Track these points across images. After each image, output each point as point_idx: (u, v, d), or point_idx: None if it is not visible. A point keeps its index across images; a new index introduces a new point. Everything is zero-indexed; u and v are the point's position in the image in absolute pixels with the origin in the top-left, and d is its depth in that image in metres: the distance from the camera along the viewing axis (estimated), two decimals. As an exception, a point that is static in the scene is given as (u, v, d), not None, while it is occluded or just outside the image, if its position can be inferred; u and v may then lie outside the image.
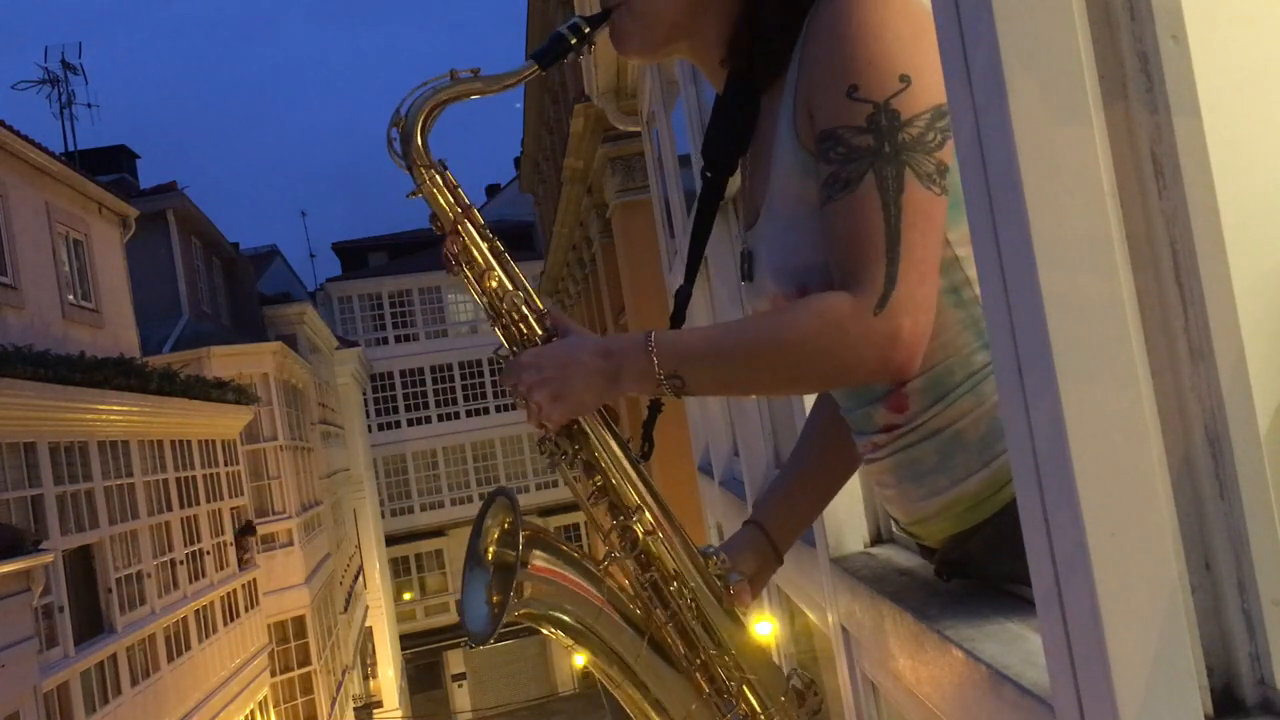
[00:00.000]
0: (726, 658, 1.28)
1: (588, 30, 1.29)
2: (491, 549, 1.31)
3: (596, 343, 1.24)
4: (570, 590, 1.28)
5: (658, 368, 1.18)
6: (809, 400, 2.04)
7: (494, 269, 1.29)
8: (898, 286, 1.09)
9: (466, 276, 1.29)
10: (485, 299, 1.29)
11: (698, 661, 1.28)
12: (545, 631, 1.30)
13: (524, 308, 1.28)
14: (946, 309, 1.16)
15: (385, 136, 1.27)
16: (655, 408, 1.37)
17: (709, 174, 1.40)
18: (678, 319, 1.40)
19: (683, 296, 1.41)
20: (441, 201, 1.28)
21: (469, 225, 1.28)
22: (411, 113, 1.26)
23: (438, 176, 1.28)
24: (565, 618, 1.28)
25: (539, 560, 1.26)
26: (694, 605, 1.28)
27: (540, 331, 1.28)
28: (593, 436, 1.26)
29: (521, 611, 1.26)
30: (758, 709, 1.29)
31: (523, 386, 1.23)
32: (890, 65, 1.12)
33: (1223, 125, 0.79)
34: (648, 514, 1.27)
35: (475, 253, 1.28)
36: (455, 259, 1.29)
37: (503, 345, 1.30)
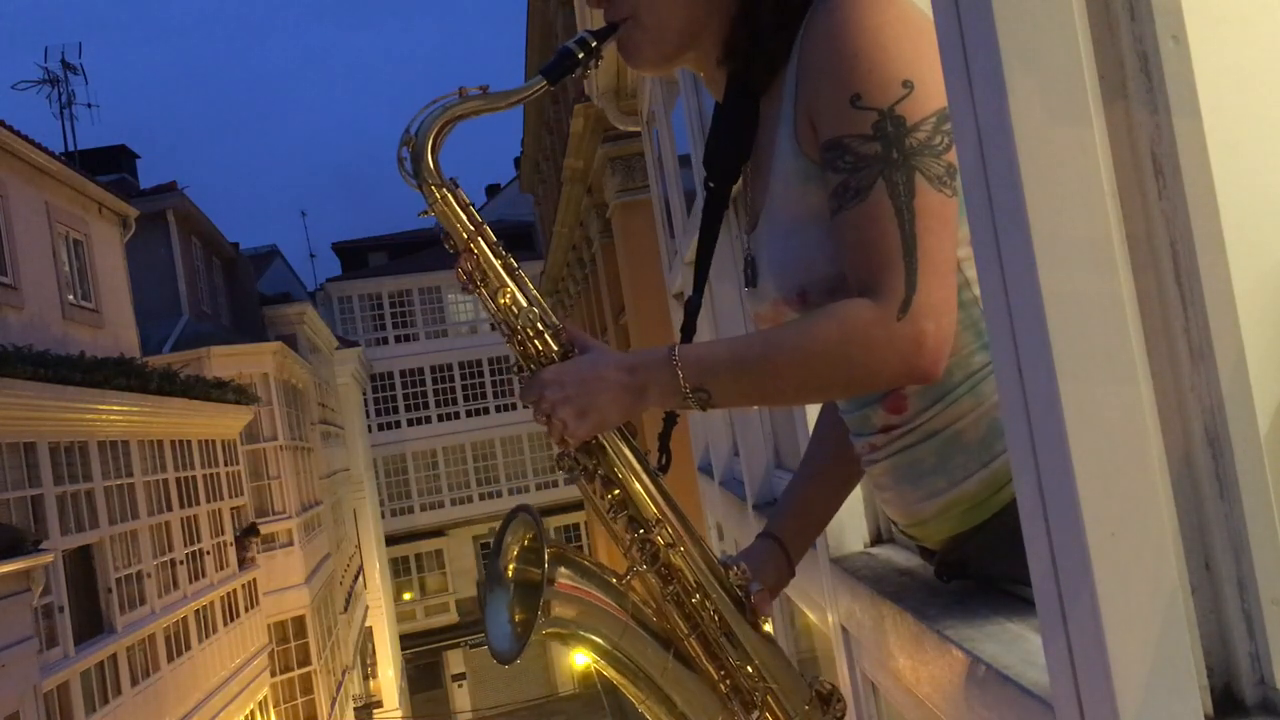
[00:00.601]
0: (750, 668, 1.28)
1: (594, 44, 1.28)
2: (513, 567, 1.30)
3: (620, 358, 1.24)
4: (596, 607, 1.26)
5: (683, 381, 1.18)
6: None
7: (508, 286, 1.27)
8: (918, 291, 1.09)
9: (481, 294, 1.28)
10: (500, 315, 1.27)
11: (722, 673, 1.28)
12: (574, 649, 1.29)
13: (539, 324, 1.26)
14: (956, 310, 1.16)
15: (396, 156, 1.25)
16: (670, 419, 1.36)
17: (711, 184, 1.40)
18: (688, 330, 1.40)
19: (693, 308, 1.40)
20: (454, 220, 1.26)
21: (482, 243, 1.27)
22: (421, 132, 1.24)
23: (449, 195, 1.26)
24: (592, 635, 1.27)
25: (563, 578, 1.25)
26: (717, 616, 1.28)
27: (556, 347, 1.26)
28: (611, 450, 1.25)
29: (548, 630, 1.24)
30: (783, 719, 1.29)
31: (545, 404, 1.21)
32: (892, 71, 1.12)
33: (1223, 125, 0.79)
34: (668, 526, 1.26)
35: (489, 271, 1.27)
36: (469, 277, 1.28)
37: (519, 362, 1.28)
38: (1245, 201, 0.80)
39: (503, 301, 1.27)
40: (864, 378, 1.15)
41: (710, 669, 1.28)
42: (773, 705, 1.29)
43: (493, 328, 1.31)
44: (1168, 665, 0.71)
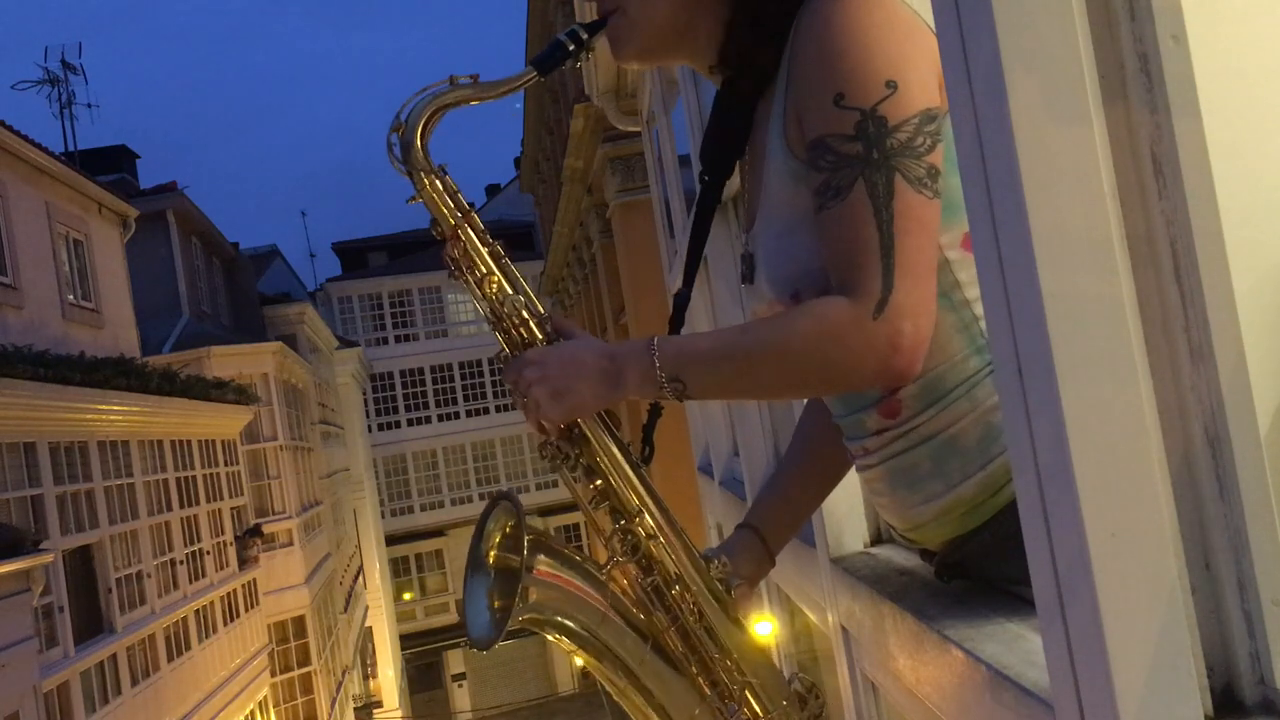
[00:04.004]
0: (729, 662, 1.28)
1: (585, 37, 1.29)
2: (493, 554, 1.30)
3: (602, 346, 1.25)
4: (574, 595, 1.27)
5: (659, 370, 1.19)
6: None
7: (495, 273, 1.29)
8: (894, 291, 1.09)
9: (468, 281, 1.30)
10: (486, 303, 1.29)
11: (701, 666, 1.28)
12: (549, 637, 1.30)
13: (524, 312, 1.28)
14: (938, 313, 1.16)
15: (385, 142, 1.27)
16: (655, 411, 1.37)
17: (705, 178, 1.40)
18: (676, 322, 1.40)
19: (681, 300, 1.41)
20: (442, 207, 1.28)
21: (469, 230, 1.28)
22: (411, 119, 1.26)
23: (438, 182, 1.28)
24: (569, 623, 1.27)
25: (542, 565, 1.25)
26: (696, 609, 1.28)
27: (540, 335, 1.28)
28: (594, 440, 1.26)
29: (526, 617, 1.25)
30: (760, 713, 1.29)
31: (523, 383, 1.23)
32: (876, 71, 1.12)
33: (1223, 125, 0.79)
34: (649, 518, 1.27)
35: (476, 257, 1.29)
36: (456, 264, 1.29)
37: (503, 349, 1.30)
38: (1245, 201, 0.80)
39: (489, 289, 1.28)
40: (839, 376, 1.16)
41: (688, 661, 1.29)
42: (750, 700, 1.29)
43: (490, 327, 1.32)
44: (1168, 665, 0.71)
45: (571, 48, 1.29)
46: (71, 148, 18.36)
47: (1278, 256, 0.82)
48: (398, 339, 32.98)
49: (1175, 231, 0.77)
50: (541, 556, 1.26)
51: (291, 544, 17.52)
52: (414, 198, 1.28)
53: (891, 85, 1.11)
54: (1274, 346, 0.81)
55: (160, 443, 12.86)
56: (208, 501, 14.37)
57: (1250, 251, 0.80)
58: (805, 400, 1.61)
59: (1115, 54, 0.77)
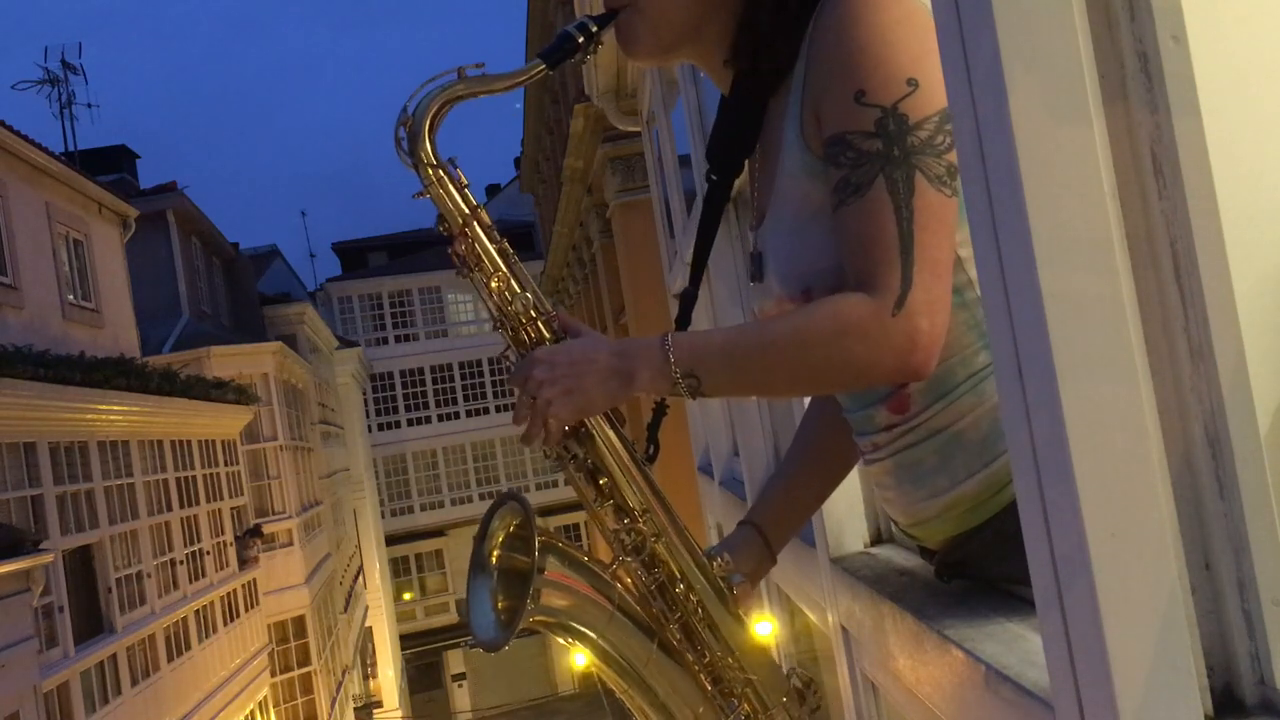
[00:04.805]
0: (731, 659, 1.29)
1: (595, 29, 1.27)
2: (498, 554, 1.29)
3: (612, 343, 1.23)
4: (582, 595, 1.26)
5: (674, 367, 1.17)
6: (808, 400, 2.03)
7: (502, 271, 1.26)
8: (913, 288, 1.09)
9: (474, 278, 1.27)
10: (493, 301, 1.27)
11: (704, 663, 1.28)
12: (557, 638, 1.29)
13: (532, 311, 1.26)
14: (950, 309, 1.16)
15: (393, 135, 1.24)
16: (660, 410, 1.36)
17: (714, 177, 1.39)
18: (683, 321, 1.40)
19: (688, 299, 1.40)
20: (449, 203, 1.25)
21: (477, 227, 1.26)
22: (419, 111, 1.23)
23: (445, 176, 1.25)
24: (577, 624, 1.27)
25: (552, 566, 1.24)
26: (700, 607, 1.28)
27: (548, 335, 1.26)
28: (599, 439, 1.25)
29: (536, 618, 1.24)
30: (761, 709, 1.29)
31: (532, 383, 1.20)
32: (897, 69, 1.12)
33: (1223, 125, 0.79)
34: (653, 517, 1.26)
35: (484, 254, 1.26)
36: (463, 260, 1.27)
37: (510, 347, 1.28)
38: (1245, 201, 0.81)
39: (496, 286, 1.26)
40: (857, 372, 1.15)
41: (692, 659, 1.29)
42: (751, 696, 1.29)
43: (494, 326, 1.30)
44: (1168, 665, 0.71)
45: (580, 40, 1.26)
46: (71, 148, 18.38)
47: (1278, 256, 0.82)
48: (398, 339, 32.98)
49: (1175, 231, 0.77)
50: (551, 557, 1.24)
51: (291, 544, 17.52)
52: (421, 193, 1.25)
53: (912, 83, 1.11)
54: (1274, 346, 0.81)
55: (160, 443, 12.86)
56: (208, 501, 14.37)
57: (1250, 251, 0.80)
58: (808, 398, 1.61)
59: (1115, 54, 0.77)
